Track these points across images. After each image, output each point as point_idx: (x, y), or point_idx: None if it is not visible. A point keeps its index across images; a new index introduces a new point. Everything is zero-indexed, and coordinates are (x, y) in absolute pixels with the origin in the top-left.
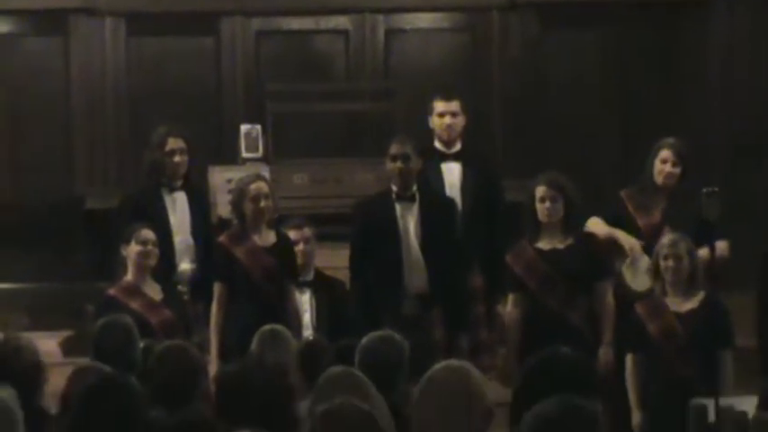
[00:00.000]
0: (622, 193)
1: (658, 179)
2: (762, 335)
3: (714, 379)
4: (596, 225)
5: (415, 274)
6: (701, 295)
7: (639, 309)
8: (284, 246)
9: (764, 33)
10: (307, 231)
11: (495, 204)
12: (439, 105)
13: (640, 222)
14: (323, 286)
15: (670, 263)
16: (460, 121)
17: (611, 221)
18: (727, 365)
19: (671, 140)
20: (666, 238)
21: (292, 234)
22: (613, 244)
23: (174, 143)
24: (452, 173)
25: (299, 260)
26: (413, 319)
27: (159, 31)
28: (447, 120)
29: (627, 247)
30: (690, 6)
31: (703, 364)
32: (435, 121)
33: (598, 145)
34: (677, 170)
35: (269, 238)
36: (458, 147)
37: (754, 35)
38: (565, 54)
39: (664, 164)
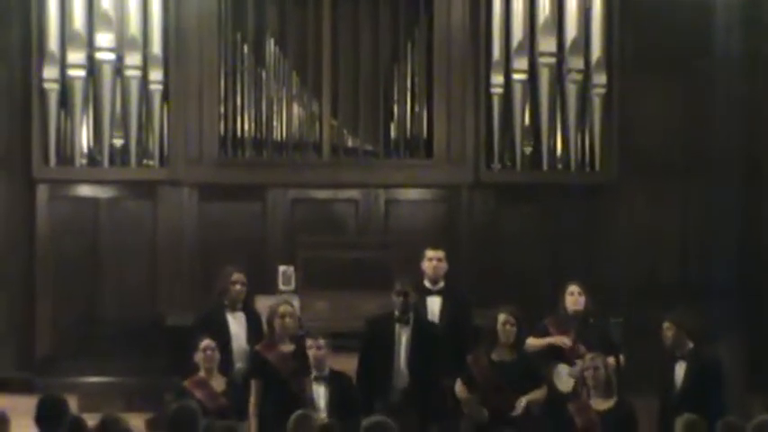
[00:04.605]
0: (546, 321)
1: (570, 306)
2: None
3: None
4: (533, 341)
5: (401, 375)
6: (615, 398)
7: (571, 406)
8: (300, 351)
9: (660, 207)
10: (320, 341)
11: (465, 329)
12: (429, 253)
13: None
14: (335, 379)
15: (591, 372)
16: (444, 265)
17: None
18: None
19: (575, 279)
20: (589, 356)
21: (309, 342)
22: (550, 347)
23: (237, 277)
24: (434, 305)
25: (313, 361)
26: (397, 407)
27: (222, 198)
28: (434, 263)
29: (560, 342)
30: (603, 190)
31: None
32: (426, 264)
33: (537, 287)
34: (583, 298)
35: (289, 347)
36: (441, 285)
37: (652, 209)
38: (515, 220)
39: (571, 296)
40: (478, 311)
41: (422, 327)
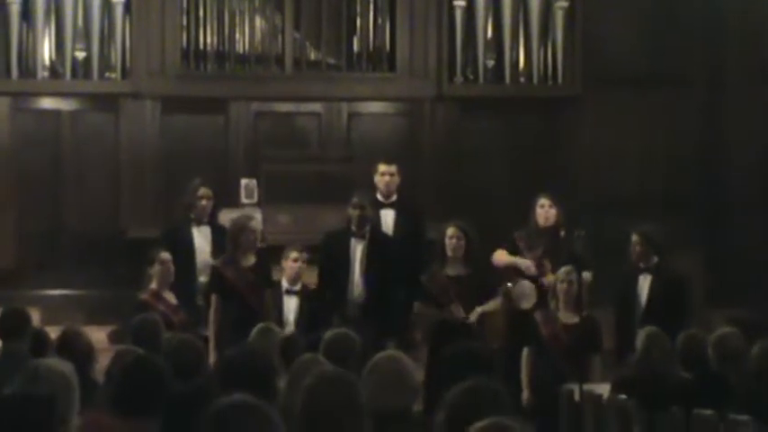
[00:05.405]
0: (515, 235)
1: (540, 221)
2: (616, 337)
3: (584, 374)
4: (500, 255)
5: (356, 288)
6: (583, 313)
7: (537, 316)
8: (261, 265)
9: (622, 121)
10: (303, 255)
11: (418, 241)
12: (382, 167)
13: (528, 256)
14: (306, 294)
15: (564, 286)
16: (396, 179)
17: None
18: (596, 365)
19: (545, 192)
20: (563, 269)
21: (294, 254)
22: (512, 268)
23: (204, 192)
24: (388, 218)
25: (292, 274)
26: (354, 321)
27: (184, 111)
28: (386, 178)
29: (523, 267)
30: (566, 103)
31: (577, 363)
32: (378, 179)
33: (499, 200)
34: (553, 210)
35: (251, 260)
36: (393, 198)
37: (615, 123)
38: (477, 134)
39: (541, 208)
40: (438, 225)
41: (377, 240)
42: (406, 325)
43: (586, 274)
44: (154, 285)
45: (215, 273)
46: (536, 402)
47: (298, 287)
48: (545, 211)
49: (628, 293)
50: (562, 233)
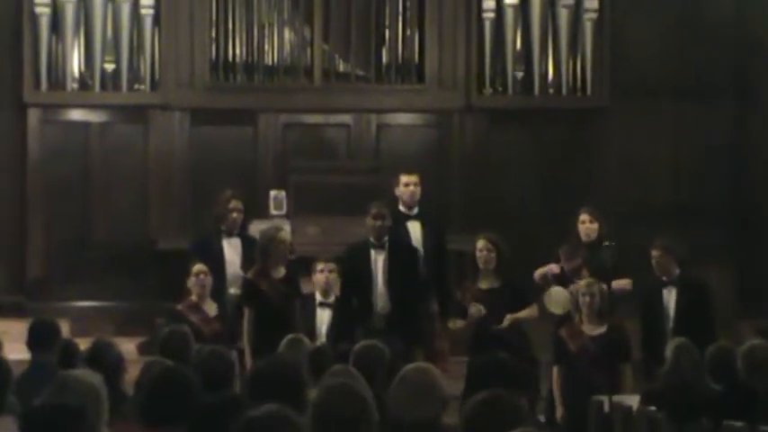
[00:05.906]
0: (560, 250)
1: (582, 235)
2: (644, 350)
3: (615, 384)
4: (537, 272)
5: (381, 300)
6: (608, 323)
7: (563, 332)
8: (291, 277)
9: (651, 131)
10: (331, 266)
11: (442, 251)
12: (404, 178)
13: (566, 266)
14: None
15: (586, 299)
16: (418, 190)
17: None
18: (627, 375)
19: (586, 206)
20: (584, 282)
21: (321, 265)
22: (544, 277)
23: (235, 205)
24: (415, 229)
25: (323, 286)
26: (379, 332)
27: (213, 122)
28: (411, 188)
29: (547, 269)
30: (595, 114)
31: (608, 373)
32: (402, 190)
33: (527, 212)
34: (594, 225)
35: (281, 272)
36: (416, 210)
37: (644, 134)
38: (505, 145)
39: (582, 224)
40: (467, 237)
41: (397, 250)
42: (433, 336)
43: (626, 282)
44: (193, 297)
45: (248, 285)
46: (570, 418)
47: (331, 300)
48: (585, 227)
49: (653, 306)
50: (606, 244)
